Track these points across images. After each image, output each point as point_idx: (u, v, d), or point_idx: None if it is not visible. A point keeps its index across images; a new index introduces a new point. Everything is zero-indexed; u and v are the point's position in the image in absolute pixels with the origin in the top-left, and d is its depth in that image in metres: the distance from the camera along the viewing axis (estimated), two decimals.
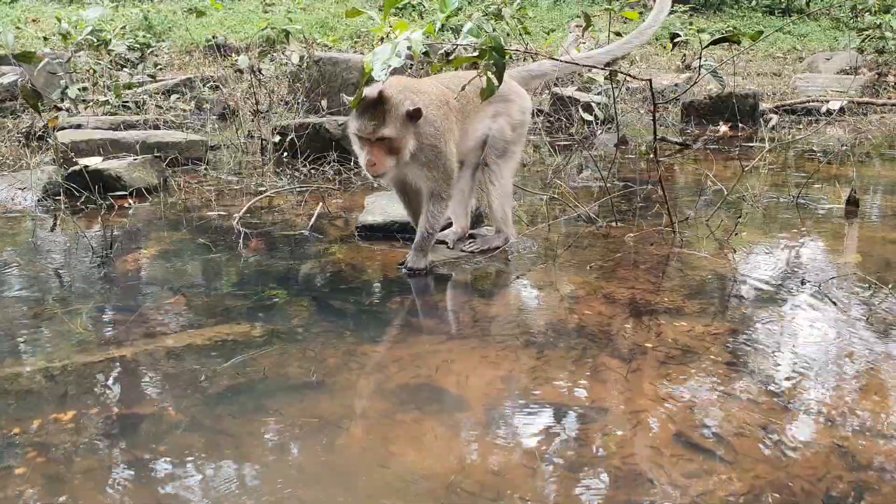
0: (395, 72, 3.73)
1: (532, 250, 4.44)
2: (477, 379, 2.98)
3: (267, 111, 8.24)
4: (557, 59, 4.57)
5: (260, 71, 8.22)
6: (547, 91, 9.63)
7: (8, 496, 2.30)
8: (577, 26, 12.24)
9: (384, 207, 4.85)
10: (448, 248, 4.44)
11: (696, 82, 5.49)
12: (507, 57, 3.46)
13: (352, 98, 3.79)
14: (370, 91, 3.75)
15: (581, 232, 4.78)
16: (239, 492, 2.32)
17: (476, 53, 3.59)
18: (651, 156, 7.44)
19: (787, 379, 2.96)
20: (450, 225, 4.55)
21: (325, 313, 3.65)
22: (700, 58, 4.67)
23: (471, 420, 2.70)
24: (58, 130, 6.73)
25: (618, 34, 12.43)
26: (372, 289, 3.98)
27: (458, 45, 3.68)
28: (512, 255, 4.34)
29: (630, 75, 4.98)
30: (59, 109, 7.75)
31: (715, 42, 4.09)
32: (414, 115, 3.78)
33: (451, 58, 4.02)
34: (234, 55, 12.85)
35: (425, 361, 3.16)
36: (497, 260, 4.29)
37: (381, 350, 3.27)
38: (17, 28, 14.13)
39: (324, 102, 8.67)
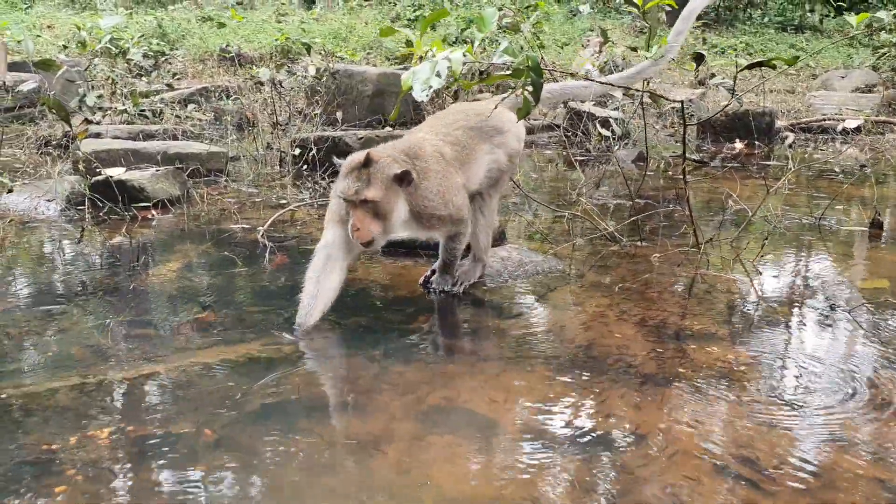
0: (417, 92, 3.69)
1: (557, 269, 4.43)
2: (509, 403, 2.98)
3: (286, 124, 8.26)
4: (595, 80, 4.55)
5: (281, 84, 8.24)
6: (563, 105, 9.64)
7: None
8: (597, 41, 12.24)
9: None
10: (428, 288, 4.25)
11: (728, 104, 5.45)
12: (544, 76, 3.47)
13: (342, 161, 3.71)
14: (357, 154, 3.66)
15: (605, 251, 4.78)
16: None
17: (510, 72, 3.59)
18: (669, 172, 7.47)
19: (826, 409, 2.95)
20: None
21: (352, 331, 3.65)
22: (712, 76, 4.66)
23: (505, 445, 2.69)
24: (75, 139, 6.75)
25: (633, 49, 12.48)
26: (398, 307, 3.97)
27: (493, 63, 3.66)
28: (538, 274, 4.33)
29: (663, 97, 4.99)
30: (90, 122, 7.77)
31: (751, 66, 4.10)
32: (402, 179, 3.63)
33: (484, 76, 4.01)
34: (248, 65, 12.91)
35: (455, 383, 3.16)
36: (524, 279, 4.29)
37: (410, 371, 3.27)
38: (37, 36, 14.16)
39: (339, 115, 8.70)
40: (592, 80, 4.59)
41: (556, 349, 3.44)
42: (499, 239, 4.75)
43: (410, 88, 3.39)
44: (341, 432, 2.76)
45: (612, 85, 4.53)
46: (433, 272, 4.24)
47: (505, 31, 11.70)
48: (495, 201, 4.30)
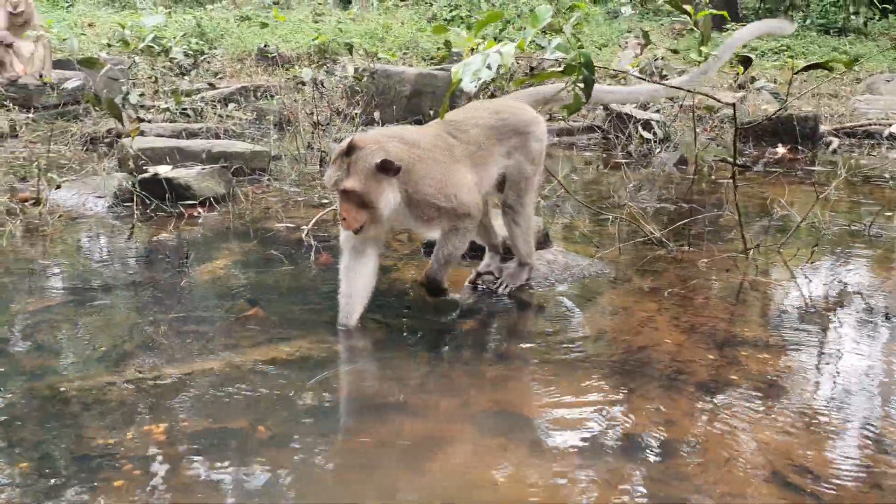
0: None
1: (603, 273, 4.41)
2: (560, 408, 2.96)
3: (327, 124, 8.31)
4: (664, 84, 4.43)
5: (322, 84, 8.29)
6: (602, 107, 9.58)
7: None
8: (637, 43, 12.15)
9: None
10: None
11: (781, 108, 5.37)
12: (596, 73, 3.45)
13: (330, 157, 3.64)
14: (346, 139, 3.53)
15: (651, 255, 4.73)
16: None
17: (562, 69, 3.58)
18: (712, 176, 7.39)
19: (884, 418, 2.89)
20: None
21: (398, 332, 3.65)
22: (752, 79, 4.58)
23: (557, 450, 2.67)
24: (124, 137, 6.84)
25: (674, 51, 12.37)
26: (443, 308, 3.97)
27: (544, 59, 3.65)
28: (585, 278, 4.30)
29: (715, 98, 4.94)
30: (141, 120, 7.89)
31: (808, 68, 4.04)
32: (385, 168, 3.42)
33: (535, 73, 3.98)
34: (286, 65, 13.00)
35: (505, 386, 3.15)
36: (570, 283, 4.27)
37: (458, 372, 3.26)
38: (81, 34, 14.39)
39: (376, 115, 8.72)
40: (663, 84, 4.46)
41: (605, 354, 3.42)
42: (543, 241, 4.72)
43: (460, 82, 3.40)
44: (393, 433, 2.76)
45: (681, 89, 4.42)
46: (478, 274, 4.23)
47: (545, 32, 11.63)
48: (529, 209, 4.08)
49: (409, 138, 3.63)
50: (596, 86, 4.08)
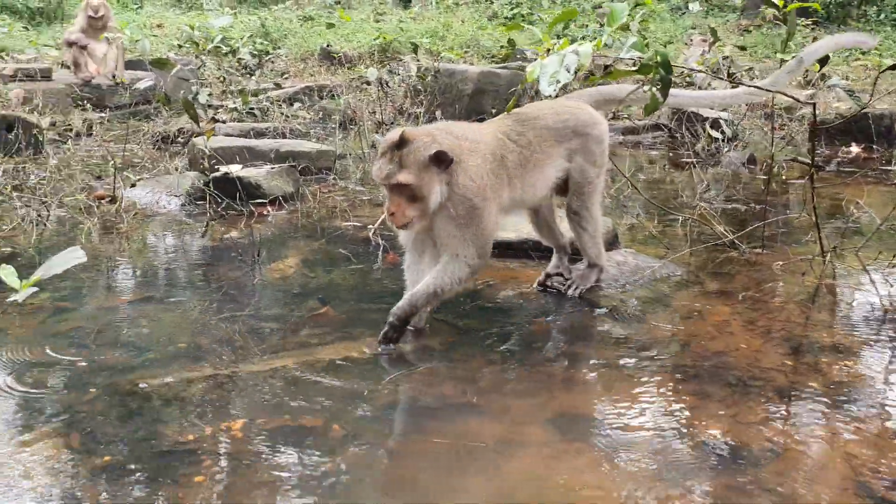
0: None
1: (675, 275, 4.33)
2: (636, 413, 2.92)
3: (392, 123, 8.36)
4: (751, 85, 4.26)
5: (387, 83, 8.35)
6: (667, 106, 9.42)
7: None
8: (702, 40, 11.93)
9: (517, 224, 4.82)
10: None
11: (866, 106, 5.18)
12: (673, 73, 3.39)
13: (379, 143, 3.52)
14: (394, 132, 3.41)
15: (723, 257, 4.64)
16: None
17: (637, 68, 3.53)
18: (783, 176, 7.20)
19: None
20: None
21: (467, 333, 3.65)
22: (822, 76, 4.40)
23: (637, 456, 2.63)
24: (195, 136, 7.00)
25: (742, 48, 12.11)
26: (512, 309, 3.96)
27: (620, 58, 3.60)
28: (656, 280, 4.24)
29: (795, 98, 4.81)
30: (216, 121, 8.06)
31: (893, 67, 3.90)
32: (439, 160, 3.32)
33: (610, 70, 3.92)
34: (347, 64, 13.12)
35: (577, 389, 3.12)
36: (641, 285, 4.20)
37: (531, 375, 3.24)
38: (154, 35, 14.75)
39: (438, 114, 8.73)
40: (751, 86, 4.26)
41: (680, 359, 3.36)
42: (612, 242, 4.67)
43: (535, 81, 3.38)
44: (468, 434, 2.76)
45: (767, 90, 4.24)
46: (547, 275, 4.19)
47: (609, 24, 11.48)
48: (594, 211, 3.99)
49: (458, 132, 3.55)
50: (674, 90, 4.01)
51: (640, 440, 2.73)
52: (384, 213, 3.44)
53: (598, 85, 4.41)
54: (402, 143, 3.32)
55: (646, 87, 3.51)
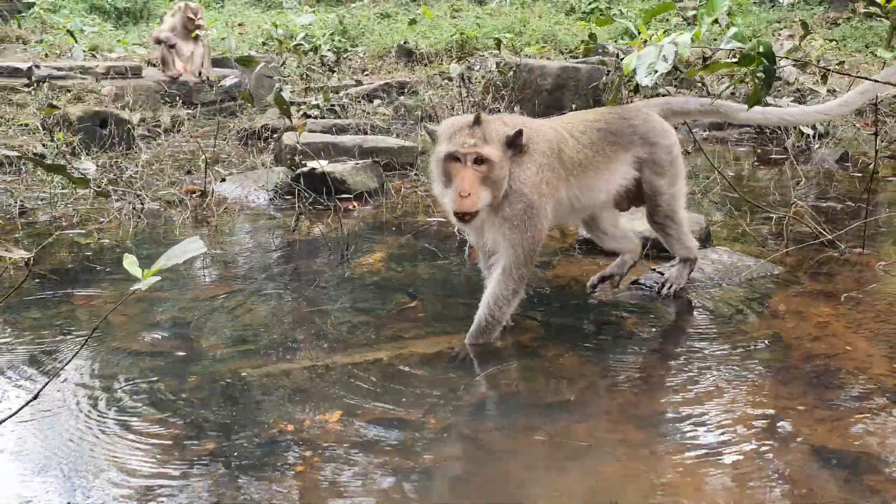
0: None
1: (772, 274, 4.19)
2: (736, 414, 2.83)
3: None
4: (876, 81, 3.95)
5: (469, 79, 8.34)
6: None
7: (292, 495, 2.40)
8: (789, 35, 11.56)
9: None
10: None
11: None
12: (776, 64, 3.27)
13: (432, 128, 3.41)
14: (459, 117, 3.33)
15: (822, 257, 4.47)
16: None
17: (737, 59, 3.42)
18: (879, 174, 6.91)
19: None
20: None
21: (558, 330, 3.61)
22: None
23: (737, 458, 2.56)
24: (286, 131, 7.12)
25: (832, 42, 11.68)
26: (602, 306, 3.90)
27: (720, 49, 3.49)
28: (752, 279, 4.11)
29: None
30: (308, 117, 8.19)
31: None
32: (514, 142, 3.22)
33: (708, 63, 3.80)
34: (425, 61, 13.16)
35: (673, 389, 3.05)
36: (737, 284, 4.08)
37: (624, 374, 3.19)
38: (239, 34, 15.09)
39: (517, 109, 8.68)
40: (876, 81, 3.95)
41: (782, 361, 3.25)
42: (704, 240, 4.56)
43: (632, 73, 3.32)
44: (566, 432, 2.72)
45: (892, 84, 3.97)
46: (602, 277, 4.05)
47: (688, 22, 11.23)
48: (678, 216, 3.84)
49: (526, 123, 3.43)
50: (773, 110, 3.84)
51: (742, 443, 2.65)
52: (453, 195, 3.17)
53: (697, 75, 4.26)
54: (478, 121, 3.20)
55: (748, 79, 3.39)
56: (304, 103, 9.43)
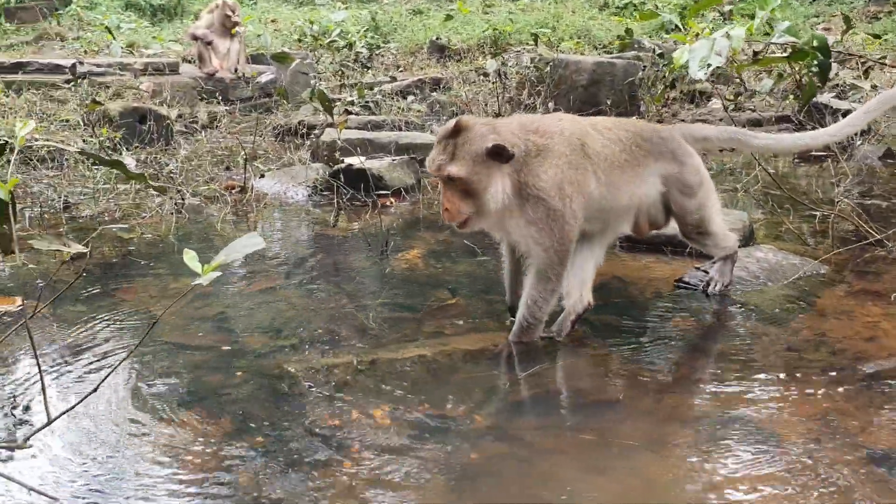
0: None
1: (818, 273, 4.13)
2: (786, 414, 2.80)
3: (509, 115, 8.32)
4: None
5: (506, 75, 8.32)
6: (794, 97, 9.03)
7: (338, 489, 2.41)
8: (824, 28, 11.36)
9: None
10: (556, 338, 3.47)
11: None
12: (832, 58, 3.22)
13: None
14: (449, 124, 3.14)
15: (868, 256, 4.39)
16: None
17: (788, 54, 3.38)
18: None
19: None
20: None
21: (602, 328, 3.58)
22: None
23: (788, 459, 2.52)
24: (327, 127, 7.14)
25: (876, 36, 11.47)
26: (647, 305, 3.86)
27: (771, 43, 3.45)
28: (798, 278, 4.04)
29: None
30: (349, 113, 8.21)
31: None
32: (497, 154, 3.04)
33: (759, 58, 3.75)
34: (456, 57, 13.13)
35: (724, 389, 3.01)
36: (783, 283, 4.01)
37: (673, 373, 3.16)
38: (275, 30, 15.18)
39: (551, 105, 8.64)
40: None
41: (830, 361, 3.19)
42: (748, 238, 4.50)
43: (681, 67, 3.28)
44: (613, 431, 2.71)
45: None
46: (706, 275, 4.00)
47: (731, 18, 11.09)
48: (709, 228, 3.69)
49: (531, 126, 3.25)
50: (785, 136, 3.76)
51: (793, 444, 2.61)
52: (440, 207, 3.19)
53: (746, 69, 4.13)
54: (457, 131, 3.07)
55: (788, 76, 3.33)
56: (339, 100, 9.46)
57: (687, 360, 3.27)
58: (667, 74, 9.51)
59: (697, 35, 3.31)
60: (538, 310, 3.31)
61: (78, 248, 2.15)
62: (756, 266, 4.08)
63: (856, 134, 7.84)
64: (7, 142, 2.07)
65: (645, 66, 9.81)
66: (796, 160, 7.52)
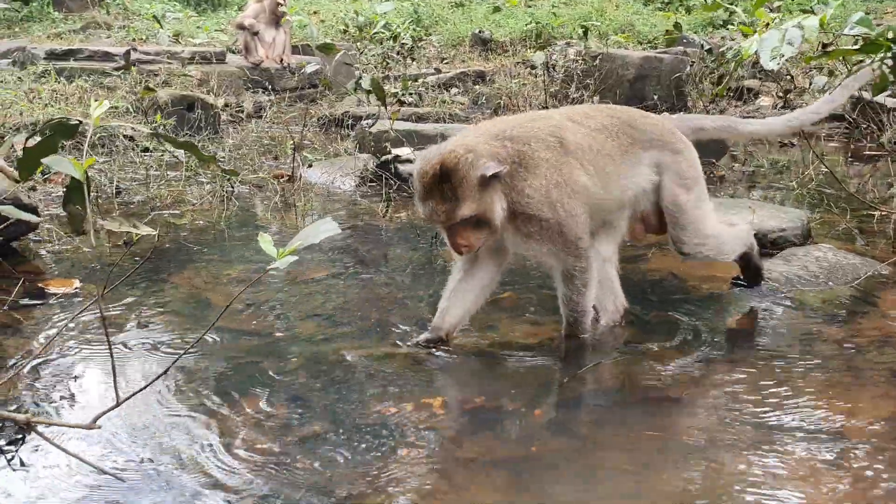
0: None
1: (881, 274, 4.02)
2: (858, 419, 2.72)
3: (548, 108, 8.27)
4: None
5: (553, 67, 8.26)
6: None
7: (398, 477, 2.40)
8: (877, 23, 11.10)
9: None
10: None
11: None
12: None
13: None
14: (428, 160, 2.95)
15: None
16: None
17: (859, 46, 3.28)
18: None
19: None
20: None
21: (658, 324, 3.53)
22: None
23: (854, 460, 2.46)
24: (379, 118, 7.14)
25: None
26: (704, 303, 3.80)
27: (842, 34, 3.36)
28: (858, 279, 3.94)
29: None
30: (402, 104, 8.18)
31: None
32: (493, 176, 2.91)
33: (829, 50, 3.64)
34: (499, 50, 13.08)
35: (788, 389, 2.94)
36: (843, 284, 3.92)
37: (732, 372, 3.09)
38: (321, 21, 15.24)
39: (596, 99, 8.55)
40: None
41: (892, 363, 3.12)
42: (805, 237, 4.41)
43: (748, 57, 3.21)
44: (672, 428, 2.67)
45: None
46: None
47: (779, 10, 10.85)
48: (708, 235, 3.40)
49: (502, 132, 3.07)
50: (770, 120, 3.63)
51: (859, 446, 2.54)
52: (452, 248, 3.06)
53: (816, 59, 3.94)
54: (445, 175, 2.88)
55: (875, 66, 3.25)
56: (388, 92, 9.46)
57: (745, 359, 3.20)
58: (714, 70, 9.37)
59: (767, 25, 3.22)
60: (576, 304, 3.20)
61: (147, 230, 2.16)
62: (816, 265, 3.99)
63: None
64: (80, 122, 2.08)
65: (693, 62, 9.67)
66: (850, 159, 7.36)
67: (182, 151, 6.22)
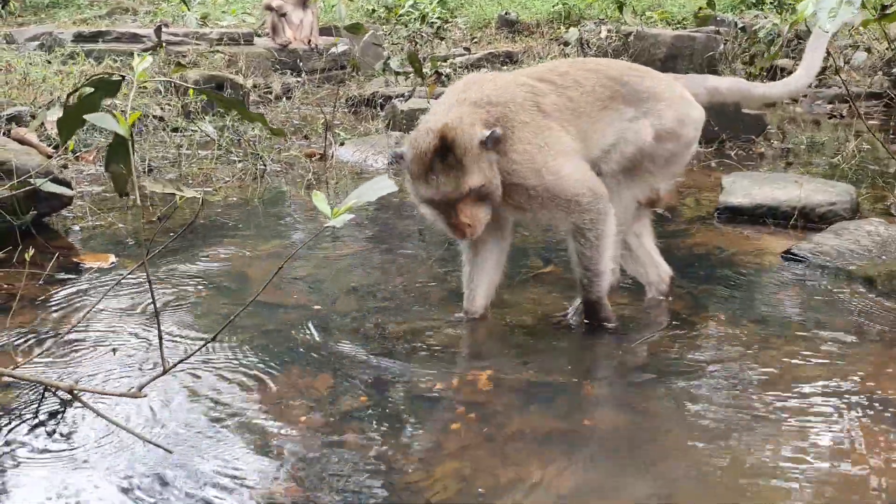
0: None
1: None
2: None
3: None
4: None
5: (588, 44, 8.12)
6: (884, 73, 8.64)
7: (453, 450, 2.33)
8: None
9: (748, 189, 4.52)
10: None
11: None
12: None
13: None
14: (423, 134, 2.78)
15: None
16: (684, 484, 2.18)
17: None
18: None
19: None
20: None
21: (706, 297, 3.43)
22: None
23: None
24: (394, 99, 7.07)
25: None
26: (753, 278, 3.69)
27: None
28: None
29: None
30: (440, 75, 8.01)
31: None
32: (492, 142, 2.76)
33: (888, 12, 3.49)
34: (525, 32, 12.92)
35: (845, 367, 2.82)
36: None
37: (788, 345, 2.98)
38: (349, 2, 15.13)
39: None
40: None
41: None
42: (854, 211, 4.28)
43: (802, 19, 3.07)
44: (730, 404, 2.57)
45: None
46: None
47: None
48: (625, 197, 3.11)
49: (479, 99, 2.88)
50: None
51: None
52: (454, 229, 2.87)
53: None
54: (446, 146, 2.73)
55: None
56: (411, 72, 9.36)
57: (799, 331, 3.08)
58: (747, 49, 9.18)
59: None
60: (590, 260, 2.95)
61: (191, 192, 2.10)
62: (868, 239, 3.86)
63: None
64: (123, 77, 2.02)
65: (726, 41, 9.49)
66: (892, 135, 7.18)
67: (213, 129, 6.21)
